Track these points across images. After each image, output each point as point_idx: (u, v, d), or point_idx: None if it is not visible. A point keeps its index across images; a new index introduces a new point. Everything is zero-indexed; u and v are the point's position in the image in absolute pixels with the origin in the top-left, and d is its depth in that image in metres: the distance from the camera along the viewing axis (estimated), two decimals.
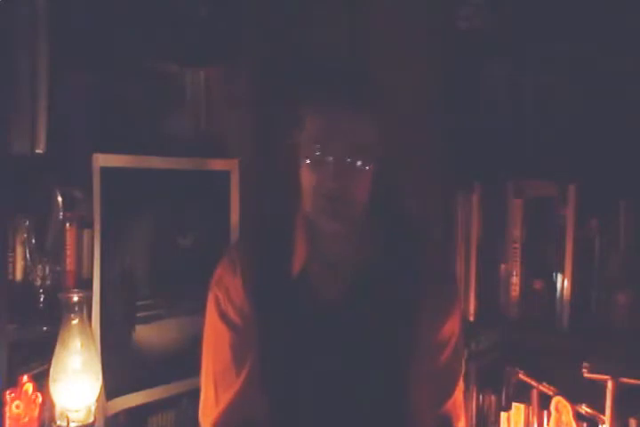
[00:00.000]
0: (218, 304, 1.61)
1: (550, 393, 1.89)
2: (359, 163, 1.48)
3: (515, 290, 1.99)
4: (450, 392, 1.60)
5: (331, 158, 1.48)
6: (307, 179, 1.51)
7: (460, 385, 1.64)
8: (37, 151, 1.71)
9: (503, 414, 1.96)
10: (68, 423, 1.63)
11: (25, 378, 1.66)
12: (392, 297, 1.55)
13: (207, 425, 1.60)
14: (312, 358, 1.55)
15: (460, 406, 1.63)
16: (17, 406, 1.63)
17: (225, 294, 1.60)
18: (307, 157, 1.50)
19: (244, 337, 1.58)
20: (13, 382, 1.64)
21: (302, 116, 1.53)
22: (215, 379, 1.60)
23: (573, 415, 1.84)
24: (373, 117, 1.51)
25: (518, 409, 1.94)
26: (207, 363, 1.62)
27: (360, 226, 1.56)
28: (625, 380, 1.78)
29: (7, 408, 1.61)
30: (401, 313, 1.55)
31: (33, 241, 1.76)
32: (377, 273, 1.55)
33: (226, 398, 1.57)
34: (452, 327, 1.59)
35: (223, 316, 1.60)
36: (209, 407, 1.60)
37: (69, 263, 1.80)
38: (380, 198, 1.56)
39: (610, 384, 1.79)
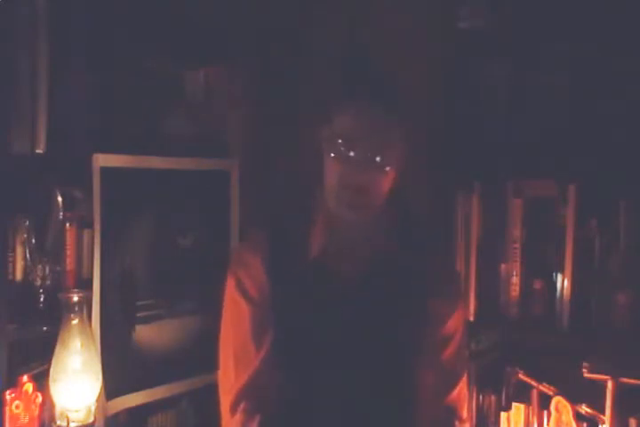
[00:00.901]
0: (237, 281, 1.63)
1: (550, 393, 1.89)
2: (383, 162, 1.52)
3: (515, 290, 1.99)
4: (454, 384, 1.63)
5: (357, 154, 1.51)
6: (331, 172, 1.55)
7: (464, 379, 1.66)
8: (37, 151, 1.71)
9: (503, 414, 1.96)
10: (68, 423, 1.64)
11: (25, 378, 1.66)
12: (403, 283, 1.59)
13: (226, 400, 1.60)
14: (325, 337, 1.58)
15: (465, 398, 1.66)
16: (17, 406, 1.63)
17: (245, 271, 1.62)
18: (333, 152, 1.53)
19: (263, 312, 1.60)
20: (13, 382, 1.64)
21: (332, 112, 1.56)
22: (236, 355, 1.60)
23: (573, 415, 1.84)
24: (400, 118, 1.55)
25: (518, 409, 1.94)
26: (227, 341, 1.63)
27: (376, 216, 1.60)
28: (625, 380, 1.78)
29: (7, 408, 1.61)
30: (410, 299, 1.59)
31: (33, 241, 1.76)
32: (390, 260, 1.60)
33: (245, 375, 1.58)
34: (456, 322, 1.63)
35: (243, 291, 1.62)
36: (227, 381, 1.61)
37: (69, 263, 1.80)
38: (394, 193, 1.60)
39: (610, 384, 1.79)
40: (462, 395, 1.65)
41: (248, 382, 1.58)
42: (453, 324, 1.63)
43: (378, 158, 1.51)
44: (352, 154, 1.51)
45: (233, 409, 1.58)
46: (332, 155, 1.54)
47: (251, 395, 1.58)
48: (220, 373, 1.63)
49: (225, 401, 1.61)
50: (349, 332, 1.58)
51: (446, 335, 1.62)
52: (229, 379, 1.60)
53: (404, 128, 1.55)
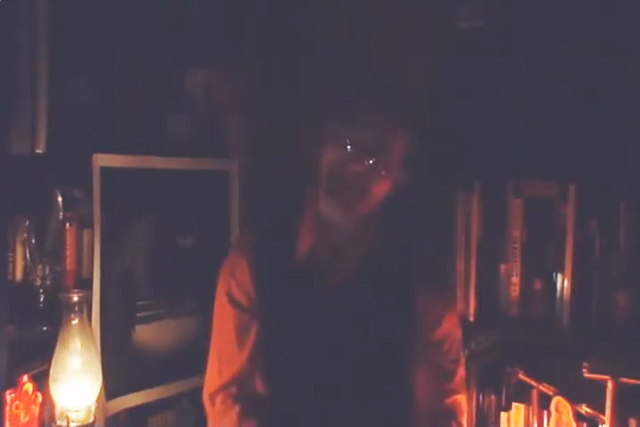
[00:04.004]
0: (225, 283, 1.66)
1: (550, 393, 1.89)
2: (383, 169, 1.52)
3: (515, 290, 1.98)
4: (451, 386, 1.63)
5: (359, 156, 1.51)
6: (330, 160, 1.55)
7: (463, 382, 1.67)
8: (37, 151, 1.71)
9: (503, 414, 1.96)
10: (68, 423, 1.64)
11: (25, 378, 1.66)
12: (391, 287, 1.60)
13: (206, 395, 1.64)
14: (313, 341, 1.59)
15: (464, 405, 1.67)
16: (17, 407, 1.63)
17: (231, 274, 1.65)
18: (336, 145, 1.53)
19: (247, 316, 1.63)
20: (13, 382, 1.64)
21: (342, 109, 1.57)
22: (219, 354, 1.65)
23: (573, 415, 1.84)
24: (408, 128, 1.56)
25: (518, 409, 1.93)
26: (214, 338, 1.67)
27: (367, 220, 1.60)
28: (625, 380, 1.78)
29: (7, 408, 1.61)
30: (401, 301, 1.60)
31: (33, 241, 1.76)
32: (378, 264, 1.60)
33: (229, 372, 1.62)
34: (449, 327, 1.64)
35: (228, 294, 1.65)
36: (211, 379, 1.65)
37: (69, 263, 1.80)
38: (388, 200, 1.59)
39: (610, 384, 1.78)
40: (462, 401, 1.65)
41: (229, 379, 1.61)
42: (447, 326, 1.63)
43: (378, 163, 1.52)
44: (354, 153, 1.51)
45: (212, 401, 1.63)
46: (334, 147, 1.54)
47: (230, 389, 1.61)
48: (207, 371, 1.67)
49: (205, 395, 1.65)
50: (336, 335, 1.58)
51: (440, 337, 1.62)
52: (213, 376, 1.64)
53: (410, 138, 1.56)
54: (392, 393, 1.61)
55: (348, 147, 1.52)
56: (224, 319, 1.65)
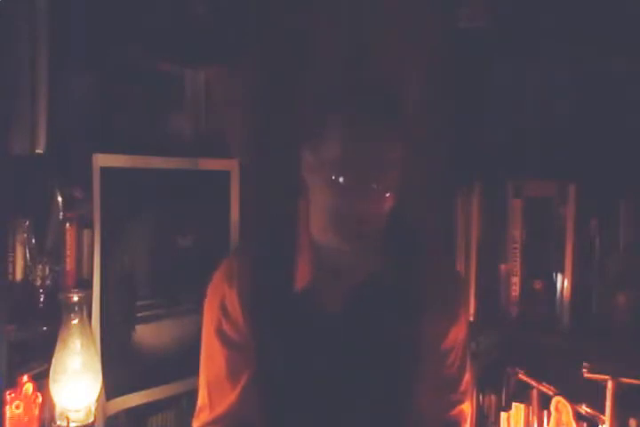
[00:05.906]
0: (213, 315, 1.56)
1: (550, 393, 1.89)
2: (384, 188, 1.40)
3: (515, 290, 1.99)
4: (455, 401, 1.59)
5: (353, 182, 1.38)
6: (325, 203, 1.42)
7: (469, 392, 1.63)
8: (37, 151, 1.71)
9: (503, 414, 1.96)
10: (68, 423, 1.64)
11: (25, 378, 1.66)
12: (397, 309, 1.51)
13: (195, 425, 1.59)
14: (314, 373, 1.51)
15: (468, 412, 1.63)
16: (17, 406, 1.63)
17: (220, 306, 1.55)
18: (322, 181, 1.41)
19: (239, 352, 1.54)
20: (13, 382, 1.64)
21: (316, 135, 1.43)
22: (209, 389, 1.57)
23: (573, 415, 1.84)
24: (401, 137, 1.43)
25: (518, 409, 1.94)
26: (203, 370, 1.59)
27: (370, 239, 1.49)
28: (625, 380, 1.78)
29: (7, 408, 1.61)
30: (405, 325, 1.51)
31: (33, 241, 1.76)
32: (382, 285, 1.51)
33: (220, 408, 1.55)
34: (455, 337, 1.57)
35: (218, 330, 1.55)
36: (202, 410, 1.58)
37: (69, 263, 1.80)
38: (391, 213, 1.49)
39: (610, 384, 1.79)
40: (467, 410, 1.61)
41: (220, 415, 1.54)
42: (454, 334, 1.56)
43: (379, 186, 1.39)
44: (345, 182, 1.37)
45: None
46: (321, 184, 1.41)
47: (219, 424, 1.55)
48: (198, 399, 1.60)
49: (194, 423, 1.59)
50: (339, 367, 1.50)
51: (446, 348, 1.56)
52: (204, 408, 1.58)
53: (405, 146, 1.43)
54: (398, 420, 1.53)
55: (343, 181, 1.37)
56: (215, 356, 1.55)
